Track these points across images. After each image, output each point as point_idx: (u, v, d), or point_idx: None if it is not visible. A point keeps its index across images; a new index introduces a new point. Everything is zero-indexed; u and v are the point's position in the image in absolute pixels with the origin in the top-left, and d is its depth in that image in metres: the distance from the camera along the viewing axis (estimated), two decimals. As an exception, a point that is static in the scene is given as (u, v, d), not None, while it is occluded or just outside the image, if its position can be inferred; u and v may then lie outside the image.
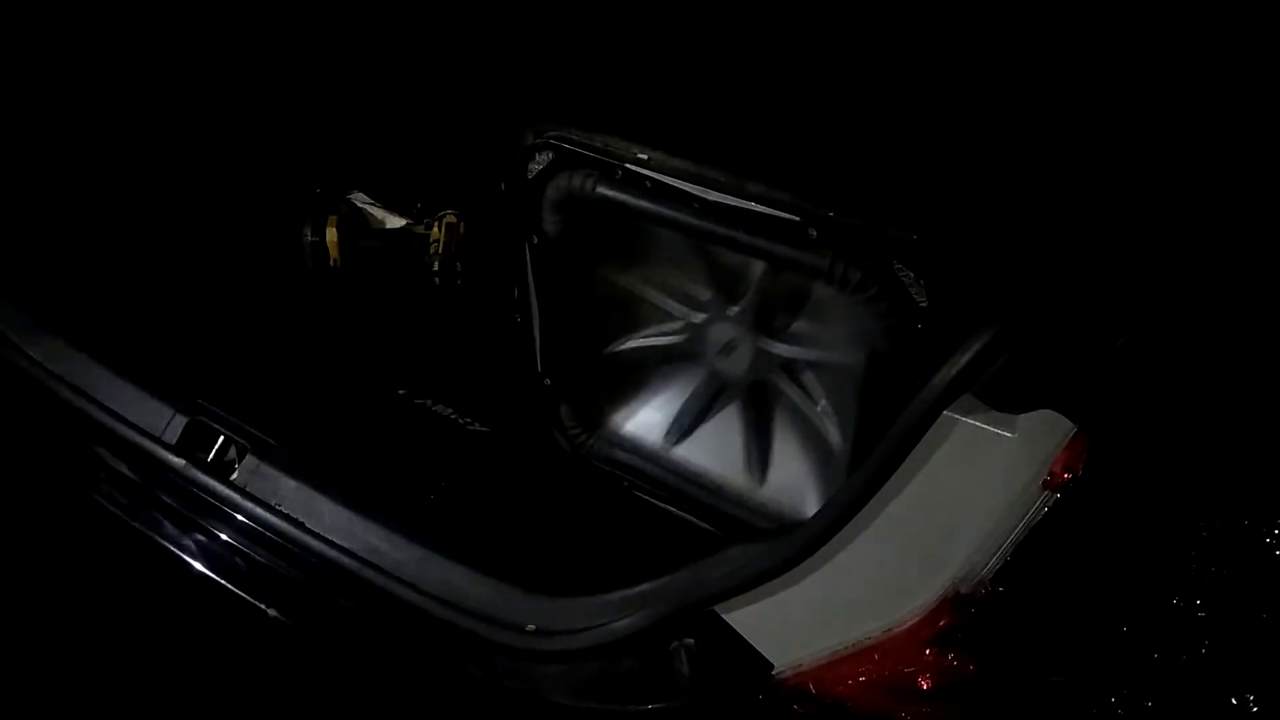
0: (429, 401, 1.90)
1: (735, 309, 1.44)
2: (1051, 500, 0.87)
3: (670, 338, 1.55)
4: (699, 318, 1.49)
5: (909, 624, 0.89)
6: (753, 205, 1.21)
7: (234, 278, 2.10)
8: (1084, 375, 0.88)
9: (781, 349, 1.43)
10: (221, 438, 1.44)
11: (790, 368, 1.46)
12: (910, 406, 0.90)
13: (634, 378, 1.66)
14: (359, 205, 2.28)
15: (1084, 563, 0.89)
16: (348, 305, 2.12)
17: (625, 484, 1.70)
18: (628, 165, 1.29)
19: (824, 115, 1.22)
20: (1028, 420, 0.87)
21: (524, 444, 1.79)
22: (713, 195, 1.24)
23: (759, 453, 1.57)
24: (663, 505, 1.66)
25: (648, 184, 1.28)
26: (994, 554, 0.87)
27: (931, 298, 1.13)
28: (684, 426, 1.63)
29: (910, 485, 0.90)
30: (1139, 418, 0.90)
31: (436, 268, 2.17)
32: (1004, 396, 0.88)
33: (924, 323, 1.15)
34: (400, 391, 1.92)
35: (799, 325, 1.41)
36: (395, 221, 2.29)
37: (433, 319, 2.11)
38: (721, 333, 1.48)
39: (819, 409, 1.46)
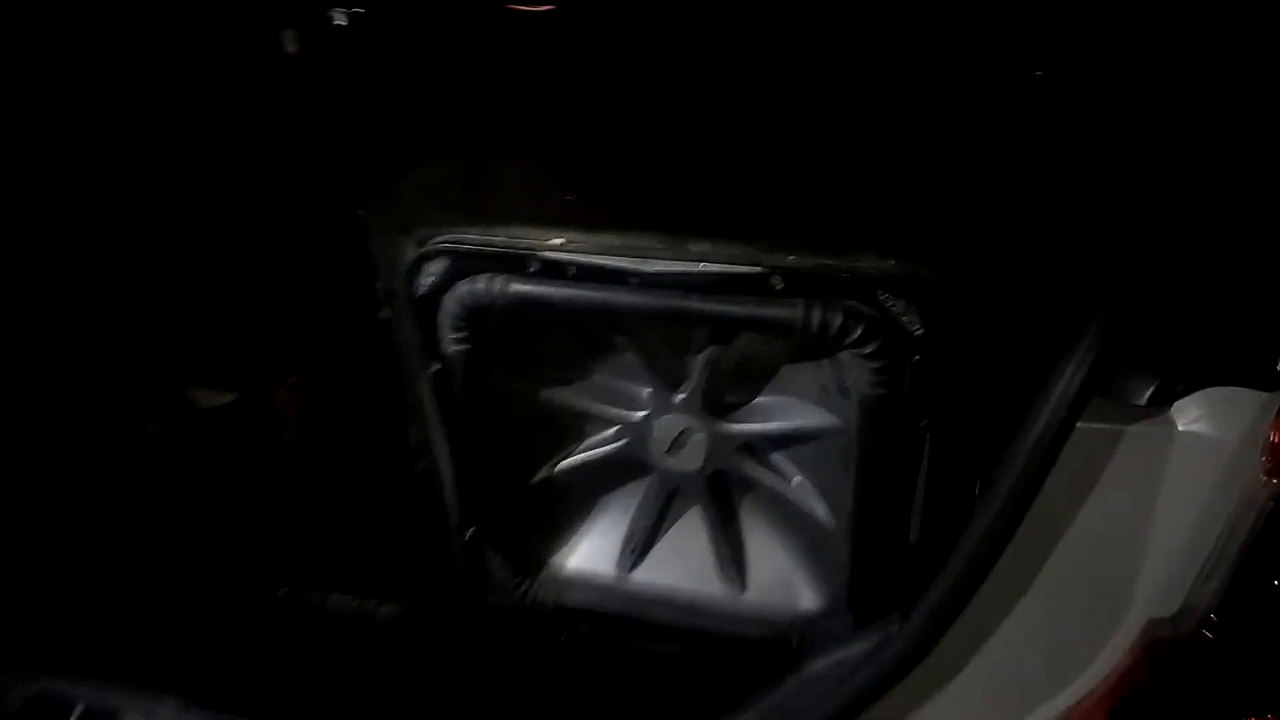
0: (319, 594, 1.58)
1: (680, 395, 1.27)
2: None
3: (608, 446, 1.36)
4: (638, 416, 1.31)
5: (1097, 692, 0.72)
6: (702, 266, 1.07)
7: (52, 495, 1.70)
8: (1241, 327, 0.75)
9: (741, 429, 1.28)
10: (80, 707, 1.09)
11: (753, 447, 1.30)
12: (1023, 436, 0.76)
13: (572, 503, 1.44)
14: (180, 388, 1.96)
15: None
16: (189, 505, 1.76)
17: (583, 631, 1.45)
18: (541, 254, 1.12)
19: (762, 143, 1.08)
20: (1194, 405, 0.74)
21: (453, 612, 1.51)
22: (652, 265, 1.09)
23: (731, 554, 1.38)
24: (635, 644, 1.42)
25: (571, 270, 1.11)
26: (1201, 578, 0.72)
27: (925, 323, 1.02)
28: (638, 545, 1.43)
29: (1057, 524, 0.75)
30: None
31: (283, 441, 1.88)
32: (1151, 386, 0.75)
33: (921, 353, 1.04)
34: (282, 591, 1.59)
35: (761, 397, 1.26)
36: (222, 399, 1.98)
37: (296, 498, 1.80)
38: (667, 426, 1.31)
39: (794, 485, 1.30)
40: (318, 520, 1.70)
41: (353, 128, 1.41)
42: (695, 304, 1.08)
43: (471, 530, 1.41)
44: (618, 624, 1.42)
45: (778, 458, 1.30)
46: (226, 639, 1.51)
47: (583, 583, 1.43)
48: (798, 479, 1.30)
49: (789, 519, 1.35)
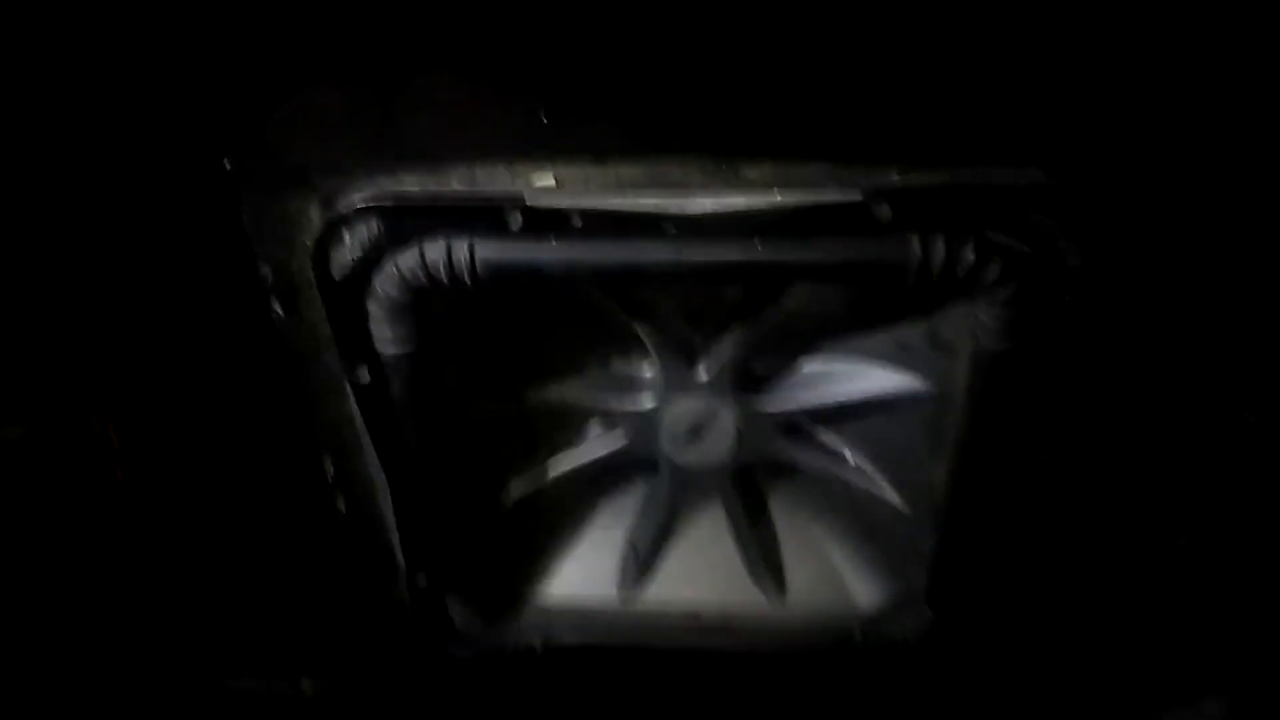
0: (209, 679, 1.18)
1: (702, 373, 0.96)
2: None
3: (607, 446, 1.03)
4: (647, 404, 0.99)
5: None
6: (771, 199, 0.75)
7: None
8: None
9: (784, 403, 0.99)
10: None
11: (794, 425, 1.02)
12: None
13: (553, 521, 1.11)
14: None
15: None
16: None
17: (583, 672, 1.15)
18: (527, 203, 0.76)
19: (841, 14, 0.74)
20: None
21: (403, 682, 1.16)
22: (696, 203, 0.75)
23: (764, 553, 1.11)
24: (653, 679, 1.14)
25: (575, 220, 0.76)
26: None
27: (1085, 252, 0.75)
28: (643, 558, 1.12)
29: None
30: None
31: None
32: None
33: (1075, 290, 0.77)
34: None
35: (815, 363, 0.97)
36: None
37: (154, 558, 1.34)
38: (684, 413, 0.99)
39: (849, 466, 1.03)
40: (192, 587, 1.26)
41: (198, 34, 0.93)
42: (763, 254, 0.76)
43: (422, 576, 1.06)
44: (628, 658, 1.13)
45: (831, 434, 1.02)
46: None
47: (578, 614, 1.12)
48: (855, 458, 1.03)
49: (837, 505, 1.08)
